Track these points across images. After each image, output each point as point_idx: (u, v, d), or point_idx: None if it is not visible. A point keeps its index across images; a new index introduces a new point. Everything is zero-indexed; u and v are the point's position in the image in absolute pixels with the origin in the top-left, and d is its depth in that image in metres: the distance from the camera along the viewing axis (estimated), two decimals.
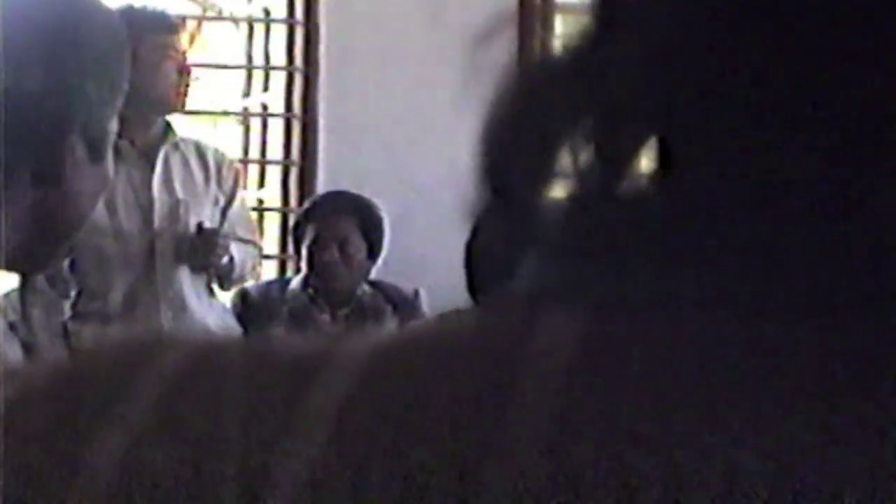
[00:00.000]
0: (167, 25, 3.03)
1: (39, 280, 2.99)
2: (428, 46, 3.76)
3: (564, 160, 0.34)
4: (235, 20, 4.52)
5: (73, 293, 3.03)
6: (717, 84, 0.33)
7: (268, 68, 4.31)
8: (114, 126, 0.98)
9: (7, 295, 3.70)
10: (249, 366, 0.34)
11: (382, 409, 0.32)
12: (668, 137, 0.34)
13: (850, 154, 0.32)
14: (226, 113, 4.33)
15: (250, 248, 3.25)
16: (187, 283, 3.07)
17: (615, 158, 0.34)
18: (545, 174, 0.35)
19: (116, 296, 3.01)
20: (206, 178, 3.15)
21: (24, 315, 3.01)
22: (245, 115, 4.37)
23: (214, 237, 3.04)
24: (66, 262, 2.97)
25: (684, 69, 0.33)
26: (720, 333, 0.31)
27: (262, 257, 3.44)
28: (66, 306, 3.04)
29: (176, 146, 3.12)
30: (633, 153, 0.34)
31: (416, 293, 3.56)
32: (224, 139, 4.11)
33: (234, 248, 3.14)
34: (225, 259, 3.10)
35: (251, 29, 4.34)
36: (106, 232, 2.98)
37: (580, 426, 0.30)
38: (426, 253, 3.56)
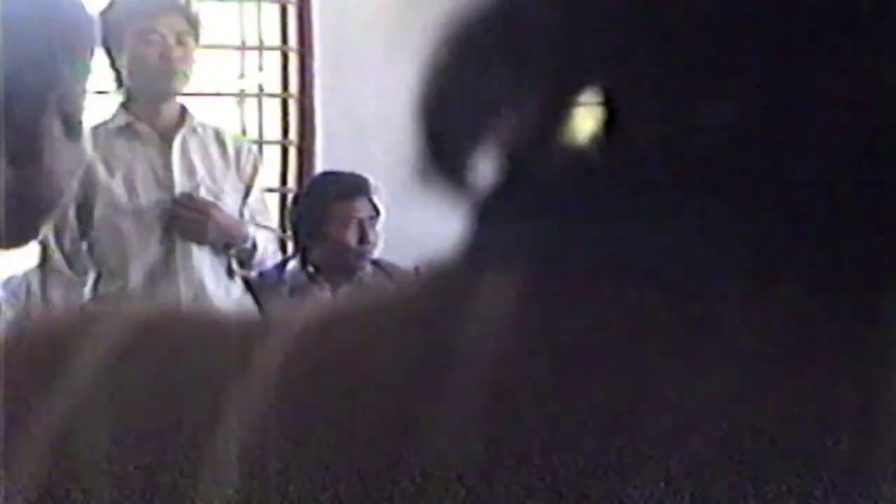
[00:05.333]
0: (156, 7, 3.02)
1: (58, 261, 3.00)
2: (423, 24, 3.73)
3: (502, 121, 0.34)
4: None
5: (91, 274, 3.03)
6: (657, 38, 0.32)
7: (262, 49, 4.30)
8: (87, 102, 0.98)
9: (8, 281, 3.71)
10: (191, 334, 0.34)
11: (322, 375, 0.31)
12: (609, 95, 0.33)
13: (792, 108, 0.31)
14: (221, 94, 4.31)
15: (268, 233, 3.24)
16: (206, 264, 3.06)
17: (552, 117, 0.33)
18: (481, 137, 0.34)
19: (135, 277, 3.01)
20: (226, 165, 3.15)
21: (44, 296, 3.02)
22: (241, 97, 4.36)
23: (192, 204, 3.02)
24: (84, 243, 2.99)
25: (623, 22, 0.32)
26: (658, 297, 0.30)
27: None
28: (86, 288, 3.04)
29: (194, 130, 3.11)
30: (570, 111, 0.33)
31: (417, 272, 3.57)
32: (223, 120, 4.09)
33: (255, 232, 3.12)
34: (248, 243, 3.09)
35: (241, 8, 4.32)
36: (125, 212, 2.99)
37: (517, 390, 0.30)
38: (425, 232, 3.56)
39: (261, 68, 4.29)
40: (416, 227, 3.60)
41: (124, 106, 3.04)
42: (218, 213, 3.04)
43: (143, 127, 3.00)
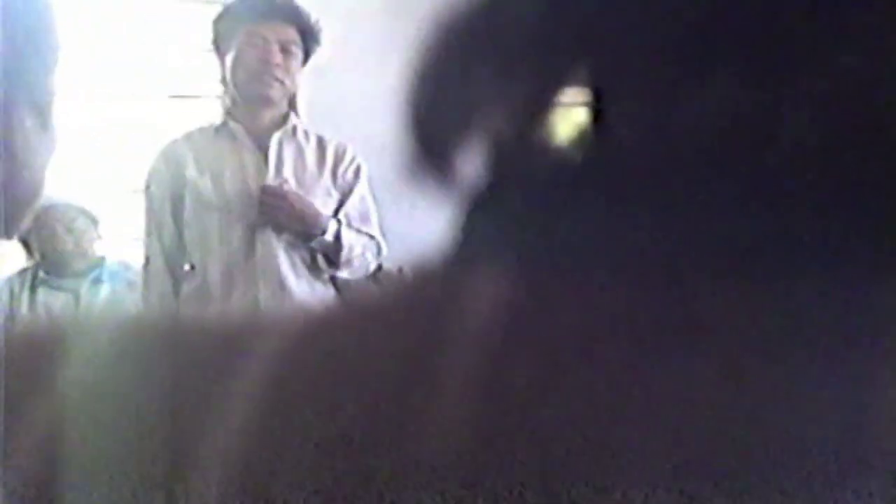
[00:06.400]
0: (261, 13, 3.00)
1: (158, 262, 3.00)
2: (407, 24, 3.74)
3: (490, 120, 0.34)
4: None
5: (184, 271, 3.03)
6: (643, 36, 0.32)
7: None
8: (56, 90, 0.97)
9: (9, 279, 3.71)
10: (179, 336, 0.34)
11: (311, 376, 0.31)
12: (596, 94, 0.33)
13: (778, 106, 0.31)
14: (201, 97, 4.30)
15: (365, 238, 3.19)
16: (285, 262, 3.03)
17: (539, 116, 0.33)
18: (469, 135, 0.34)
19: (214, 274, 2.99)
20: (320, 169, 3.11)
21: (144, 296, 3.01)
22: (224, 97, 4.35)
23: (269, 189, 3.00)
24: (178, 243, 2.99)
25: (609, 21, 0.32)
26: (646, 295, 0.30)
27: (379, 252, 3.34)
28: (179, 287, 3.05)
29: (292, 135, 3.09)
30: (556, 109, 0.33)
31: (400, 271, 3.56)
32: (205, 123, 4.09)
33: (345, 232, 3.09)
34: (329, 237, 3.07)
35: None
36: (211, 209, 2.98)
37: (506, 389, 0.30)
38: (409, 231, 3.56)
39: None
40: (399, 227, 3.62)
41: (227, 110, 3.03)
42: (294, 198, 3.01)
43: (236, 126, 3.00)
